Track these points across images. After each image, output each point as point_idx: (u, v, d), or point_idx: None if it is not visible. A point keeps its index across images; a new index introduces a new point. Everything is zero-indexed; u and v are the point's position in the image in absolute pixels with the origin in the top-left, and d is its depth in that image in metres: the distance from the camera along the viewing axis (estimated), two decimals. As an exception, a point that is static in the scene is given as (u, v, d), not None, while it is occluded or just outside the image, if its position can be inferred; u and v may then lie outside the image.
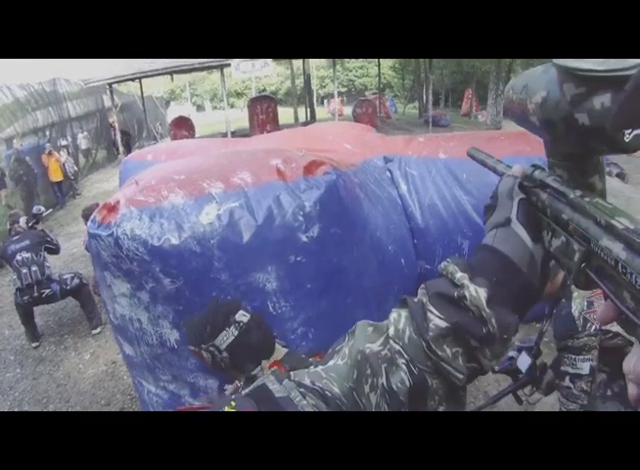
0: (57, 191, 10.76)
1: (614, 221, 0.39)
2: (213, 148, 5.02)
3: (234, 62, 13.50)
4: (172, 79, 25.36)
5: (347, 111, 23.34)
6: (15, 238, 5.09)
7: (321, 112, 24.76)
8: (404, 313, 0.57)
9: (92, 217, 2.38)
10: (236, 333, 1.57)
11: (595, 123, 0.40)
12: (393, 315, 0.58)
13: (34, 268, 4.84)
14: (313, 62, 23.85)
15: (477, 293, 0.52)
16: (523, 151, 3.48)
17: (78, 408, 3.87)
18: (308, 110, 21.41)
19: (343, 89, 36.78)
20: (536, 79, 0.48)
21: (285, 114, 18.39)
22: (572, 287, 1.79)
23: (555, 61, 0.42)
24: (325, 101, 33.85)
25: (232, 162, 2.73)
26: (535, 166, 0.56)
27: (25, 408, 4.02)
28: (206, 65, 14.45)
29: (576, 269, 0.45)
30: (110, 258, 2.23)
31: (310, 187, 2.38)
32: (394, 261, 3.33)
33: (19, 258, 4.84)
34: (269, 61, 13.83)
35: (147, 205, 2.21)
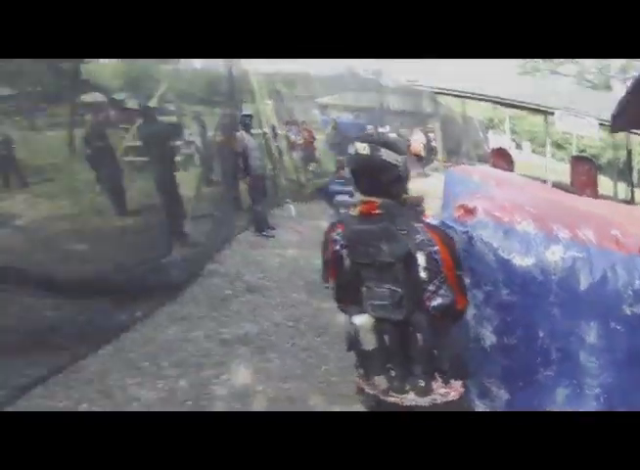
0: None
1: None
2: (543, 193, 5.07)
3: (557, 111, 13.32)
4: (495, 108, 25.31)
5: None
6: None
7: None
8: None
9: (451, 213, 2.85)
10: None
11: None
12: None
13: None
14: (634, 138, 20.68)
15: None
16: None
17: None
18: (629, 188, 19.02)
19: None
20: None
21: (603, 183, 16.72)
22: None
23: None
24: (646, 184, 29.03)
25: (576, 216, 2.91)
26: None
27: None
28: (531, 107, 14.92)
29: None
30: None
31: (641, 267, 2.39)
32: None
33: None
34: (594, 121, 12.81)
35: (501, 221, 2.57)
